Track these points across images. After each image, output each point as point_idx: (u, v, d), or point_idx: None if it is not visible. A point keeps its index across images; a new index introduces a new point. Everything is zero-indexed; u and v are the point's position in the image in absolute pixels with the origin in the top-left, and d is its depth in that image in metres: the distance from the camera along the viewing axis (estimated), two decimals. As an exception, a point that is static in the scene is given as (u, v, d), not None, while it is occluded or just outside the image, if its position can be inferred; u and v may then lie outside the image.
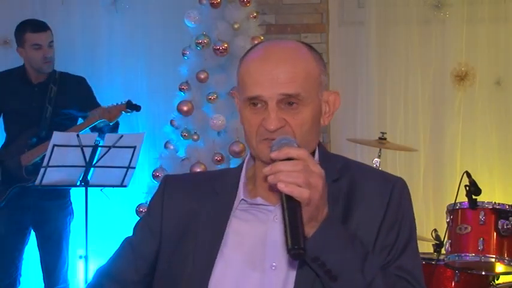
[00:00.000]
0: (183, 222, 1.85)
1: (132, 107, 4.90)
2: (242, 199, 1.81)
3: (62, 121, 4.88)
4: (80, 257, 4.59)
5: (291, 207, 1.59)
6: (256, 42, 4.61)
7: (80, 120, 4.94)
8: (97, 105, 4.98)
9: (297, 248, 1.56)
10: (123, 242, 1.95)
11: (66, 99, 4.90)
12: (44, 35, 4.86)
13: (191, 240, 1.82)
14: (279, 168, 1.60)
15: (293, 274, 1.74)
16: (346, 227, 1.73)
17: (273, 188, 1.66)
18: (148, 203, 1.99)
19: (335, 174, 1.82)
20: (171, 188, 1.92)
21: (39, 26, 4.89)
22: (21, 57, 4.92)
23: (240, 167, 1.89)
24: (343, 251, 1.67)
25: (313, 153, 1.84)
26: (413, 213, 1.85)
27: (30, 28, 4.86)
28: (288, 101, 1.72)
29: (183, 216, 1.85)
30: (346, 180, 1.82)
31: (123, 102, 4.87)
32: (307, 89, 1.74)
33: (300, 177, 1.59)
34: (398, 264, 1.77)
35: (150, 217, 1.91)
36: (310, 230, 1.65)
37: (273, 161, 1.64)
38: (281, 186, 1.58)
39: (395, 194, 1.80)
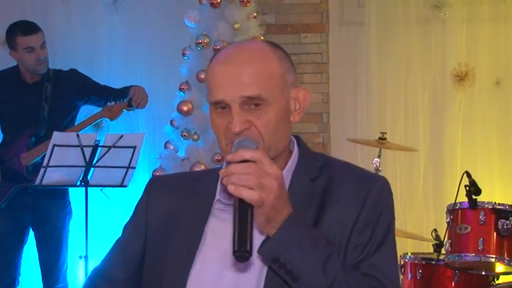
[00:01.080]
0: (165, 222, 1.87)
1: (133, 104, 4.91)
2: (218, 199, 1.83)
3: (62, 116, 4.89)
4: (80, 257, 4.59)
5: (241, 209, 1.61)
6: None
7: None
8: (98, 86, 5.03)
9: (243, 251, 1.57)
10: (114, 243, 1.98)
11: (63, 96, 4.91)
12: (35, 37, 4.82)
13: (173, 239, 1.84)
14: (231, 170, 1.62)
15: (265, 273, 1.75)
16: (310, 227, 1.73)
17: (227, 191, 1.67)
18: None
19: (314, 173, 1.83)
20: (156, 188, 1.95)
21: (29, 28, 4.84)
22: (15, 60, 4.91)
23: (222, 167, 1.88)
24: (303, 252, 1.67)
25: (289, 152, 1.86)
26: (393, 213, 1.84)
27: (20, 31, 4.82)
28: (251, 103, 1.73)
29: (166, 216, 1.88)
30: (324, 178, 1.82)
31: (125, 100, 4.87)
32: (269, 90, 1.74)
33: (251, 180, 1.61)
34: (371, 262, 1.76)
35: (136, 217, 1.95)
36: (270, 230, 1.67)
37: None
38: (231, 189, 1.61)
39: (372, 193, 1.79)
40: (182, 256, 1.80)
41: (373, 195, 1.80)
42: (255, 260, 1.75)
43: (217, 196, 1.83)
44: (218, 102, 1.75)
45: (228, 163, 1.68)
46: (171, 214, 1.87)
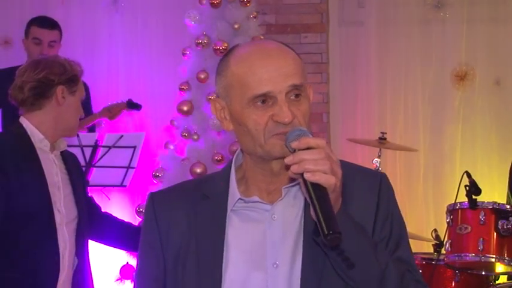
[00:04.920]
0: (180, 233, 1.83)
1: (132, 105, 4.90)
2: (239, 198, 1.80)
3: None
4: (80, 257, 4.58)
5: (320, 194, 1.61)
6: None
7: None
8: (90, 110, 4.98)
9: (332, 233, 1.56)
10: (138, 279, 1.91)
11: None
12: (47, 32, 4.87)
13: (193, 249, 1.81)
14: (302, 157, 1.62)
15: (297, 271, 1.75)
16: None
17: (293, 178, 1.68)
18: (142, 226, 1.95)
19: None
20: (160, 203, 1.89)
21: (46, 23, 4.92)
22: (24, 49, 4.95)
23: (226, 169, 1.86)
24: (358, 239, 1.69)
25: None
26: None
27: (37, 22, 4.91)
28: (294, 93, 1.74)
29: (179, 227, 1.83)
30: None
31: (124, 101, 4.87)
32: (305, 80, 1.77)
33: (326, 165, 1.61)
34: (398, 255, 1.80)
35: (149, 239, 1.88)
36: None
37: (283, 156, 1.68)
38: (308, 176, 1.60)
39: (383, 187, 1.84)
40: (209, 265, 1.78)
41: (385, 189, 1.84)
42: (279, 257, 1.76)
43: (238, 195, 1.80)
44: (263, 95, 1.72)
45: (266, 156, 1.72)
46: (184, 225, 1.83)
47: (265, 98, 1.73)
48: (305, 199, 1.77)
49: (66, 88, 3.17)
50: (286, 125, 1.71)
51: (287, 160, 1.64)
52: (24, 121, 3.18)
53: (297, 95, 1.74)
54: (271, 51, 1.76)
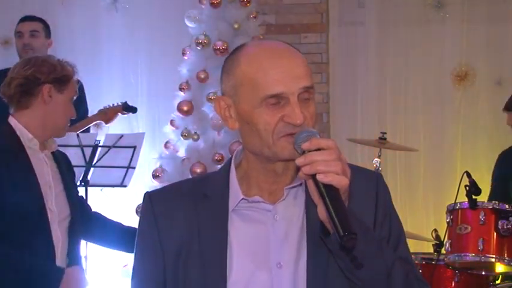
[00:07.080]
0: (181, 232, 1.81)
1: (128, 108, 4.89)
2: (243, 198, 1.79)
3: None
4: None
5: (333, 196, 1.61)
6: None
7: None
8: (83, 109, 4.96)
9: (348, 234, 1.56)
10: (137, 281, 1.87)
11: None
12: (26, 24, 4.95)
13: (195, 249, 1.79)
14: (314, 158, 1.62)
15: (302, 271, 1.75)
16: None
17: (305, 178, 1.67)
18: (138, 226, 1.90)
19: None
20: (159, 202, 1.87)
21: (25, 17, 5.00)
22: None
23: (225, 169, 1.85)
24: (366, 239, 1.68)
25: None
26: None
27: (20, 20, 5.00)
28: (304, 95, 1.73)
29: (180, 226, 1.82)
30: None
31: (119, 104, 4.86)
32: (313, 82, 1.76)
33: (338, 166, 1.61)
34: (399, 254, 1.79)
35: (148, 240, 1.85)
36: None
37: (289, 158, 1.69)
38: (321, 177, 1.61)
39: (381, 187, 1.84)
40: (214, 262, 1.77)
41: (382, 189, 1.84)
42: (282, 257, 1.75)
43: (241, 195, 1.79)
44: (275, 95, 1.71)
45: (273, 157, 1.71)
46: (185, 224, 1.81)
47: (277, 99, 1.71)
48: (306, 199, 1.78)
49: (53, 87, 3.15)
50: (296, 126, 1.70)
51: (298, 161, 1.64)
52: (12, 120, 3.16)
53: (306, 98, 1.73)
54: (282, 52, 1.75)
